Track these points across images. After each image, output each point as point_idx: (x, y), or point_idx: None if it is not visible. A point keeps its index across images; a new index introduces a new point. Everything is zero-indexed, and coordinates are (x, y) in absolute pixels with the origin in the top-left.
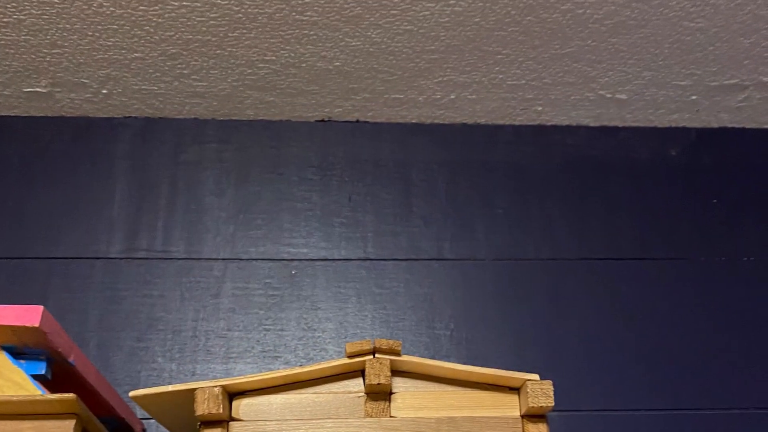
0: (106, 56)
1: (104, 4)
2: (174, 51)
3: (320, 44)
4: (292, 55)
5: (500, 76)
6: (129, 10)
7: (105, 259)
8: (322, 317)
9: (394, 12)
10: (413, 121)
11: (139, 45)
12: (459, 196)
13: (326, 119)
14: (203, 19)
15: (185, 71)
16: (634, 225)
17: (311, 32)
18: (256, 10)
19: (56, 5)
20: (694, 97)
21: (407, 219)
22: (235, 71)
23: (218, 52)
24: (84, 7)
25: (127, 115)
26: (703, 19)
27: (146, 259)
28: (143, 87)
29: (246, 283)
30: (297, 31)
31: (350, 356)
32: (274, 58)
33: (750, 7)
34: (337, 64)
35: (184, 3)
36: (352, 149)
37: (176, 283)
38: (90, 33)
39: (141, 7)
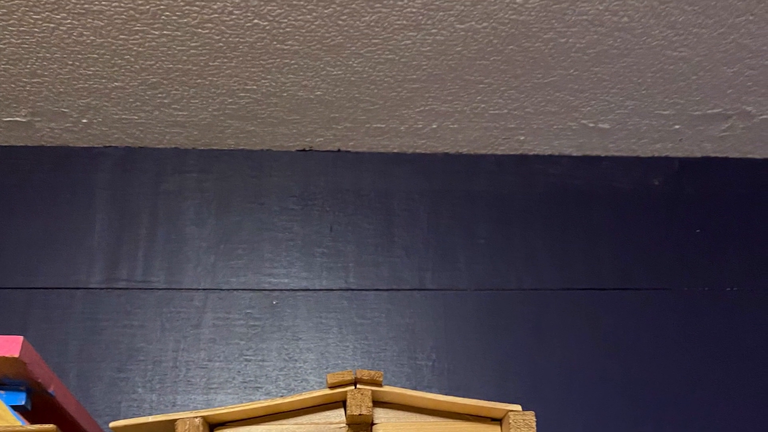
0: (86, 85)
1: (84, 33)
2: (154, 80)
3: (301, 73)
4: (273, 84)
5: (482, 106)
6: (109, 39)
7: (85, 290)
8: (303, 348)
9: (376, 41)
10: (395, 150)
11: (120, 74)
12: (441, 225)
13: (307, 149)
14: (184, 48)
15: (166, 100)
16: (617, 255)
17: (292, 61)
18: (237, 39)
19: (36, 34)
20: (677, 127)
21: (389, 249)
22: (216, 100)
23: (199, 81)
24: (64, 36)
25: (108, 145)
26: (686, 49)
27: (126, 289)
28: (123, 116)
29: (227, 313)
30: (278, 60)
31: (331, 387)
32: (255, 87)
33: (733, 36)
34: (319, 93)
35: (165, 32)
36: (333, 179)
37: (157, 314)
38: (70, 62)
39: (121, 36)
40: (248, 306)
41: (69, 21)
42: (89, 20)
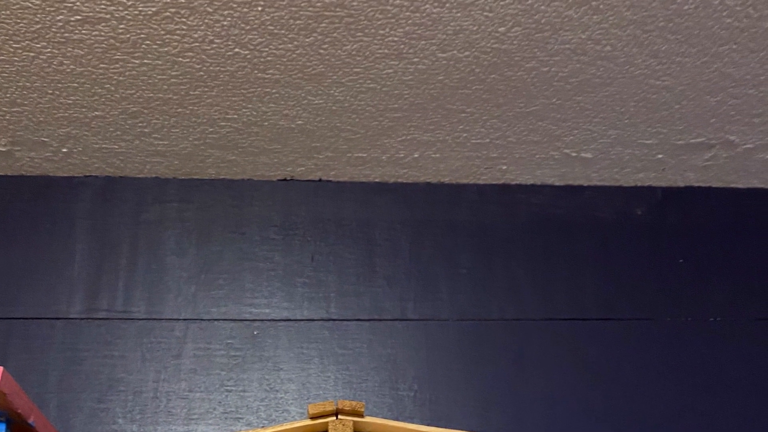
0: (66, 114)
1: (64, 62)
2: (135, 109)
3: (282, 102)
4: (254, 113)
5: (464, 135)
6: (89, 68)
7: (65, 320)
8: (285, 378)
9: (357, 70)
10: (376, 180)
11: (100, 103)
12: (422, 255)
13: (289, 178)
14: (164, 77)
15: (146, 130)
16: (600, 285)
17: (273, 90)
18: (218, 68)
19: (16, 63)
20: (660, 156)
21: (370, 279)
22: (197, 130)
23: (179, 110)
24: (44, 65)
25: (88, 174)
26: (669, 77)
27: (107, 319)
28: (104, 146)
29: (207, 343)
30: (259, 89)
31: (313, 417)
32: (235, 116)
33: (716, 65)
34: (300, 122)
35: (145, 61)
36: (314, 208)
37: (137, 344)
38: (50, 91)
39: (101, 66)
40: (229, 336)
41: (49, 50)
42: (69, 49)
